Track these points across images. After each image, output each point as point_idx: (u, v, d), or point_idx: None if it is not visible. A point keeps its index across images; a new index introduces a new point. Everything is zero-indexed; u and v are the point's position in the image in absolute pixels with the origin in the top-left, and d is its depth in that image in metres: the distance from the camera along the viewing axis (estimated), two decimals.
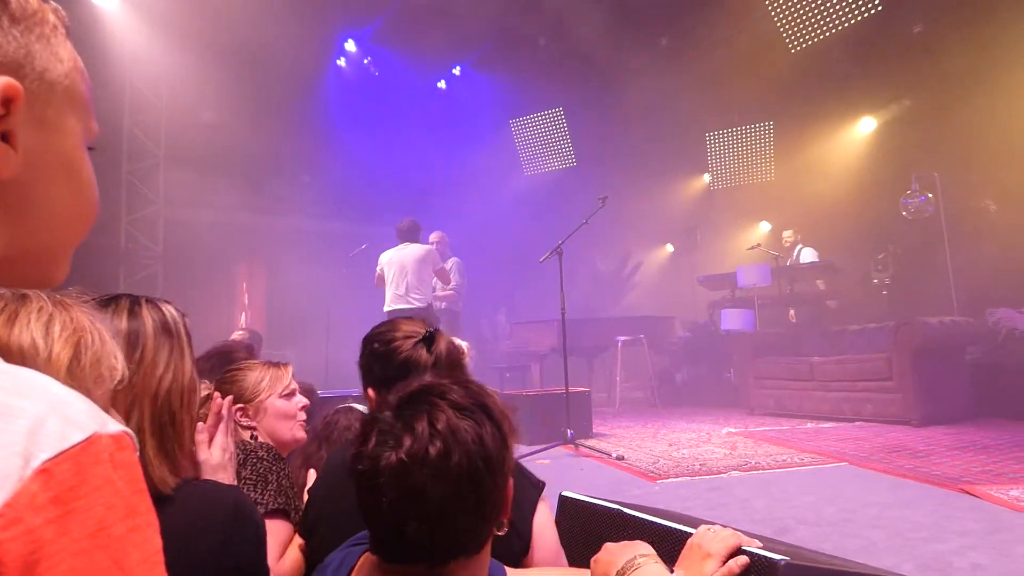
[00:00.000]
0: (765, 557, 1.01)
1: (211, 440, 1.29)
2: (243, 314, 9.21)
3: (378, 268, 5.90)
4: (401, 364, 1.29)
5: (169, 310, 0.97)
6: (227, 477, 1.29)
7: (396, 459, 0.74)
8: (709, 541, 1.03)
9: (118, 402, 0.82)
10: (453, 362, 1.32)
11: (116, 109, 7.87)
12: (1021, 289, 5.33)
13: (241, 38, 7.54)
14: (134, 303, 0.95)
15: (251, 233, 9.05)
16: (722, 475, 3.47)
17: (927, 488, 2.97)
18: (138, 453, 0.42)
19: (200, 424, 1.29)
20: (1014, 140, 6.29)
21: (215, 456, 1.28)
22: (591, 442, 4.65)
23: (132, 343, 0.89)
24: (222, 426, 1.31)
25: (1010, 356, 5.17)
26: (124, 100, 8.01)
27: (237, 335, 4.41)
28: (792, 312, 7.65)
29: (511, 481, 0.82)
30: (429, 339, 1.31)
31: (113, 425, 0.40)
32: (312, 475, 1.63)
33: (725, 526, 1.08)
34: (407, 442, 0.75)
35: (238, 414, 1.57)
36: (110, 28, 7.47)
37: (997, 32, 6.42)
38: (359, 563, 0.86)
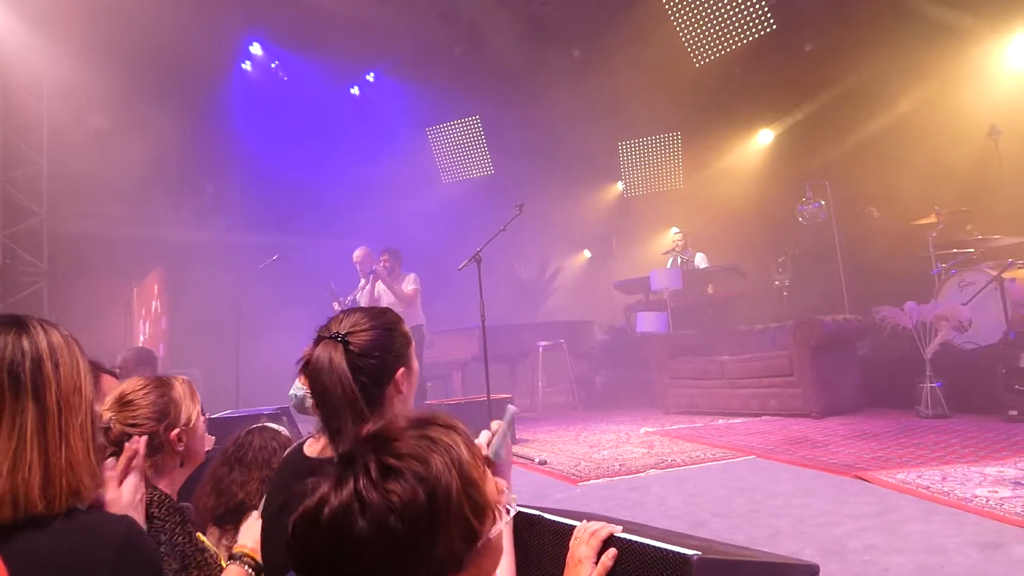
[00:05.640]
0: (679, 553, 1.03)
1: (121, 480, 1.23)
2: (141, 334, 8.60)
3: (418, 285, 6.03)
4: None
5: (60, 329, 0.92)
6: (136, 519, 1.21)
7: (298, 518, 0.70)
8: (577, 549, 1.10)
9: (72, 408, 0.82)
10: None
11: None
12: (902, 288, 5.81)
13: (133, 38, 7.08)
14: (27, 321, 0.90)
15: (148, 246, 8.48)
16: (641, 474, 3.56)
17: (826, 476, 3.17)
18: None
19: (110, 460, 1.26)
20: (894, 151, 6.89)
21: (125, 495, 1.23)
22: (514, 448, 4.66)
23: (71, 354, 0.87)
24: (136, 464, 1.27)
25: (894, 350, 5.63)
26: None
27: (123, 357, 4.04)
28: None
29: (453, 535, 0.71)
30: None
31: None
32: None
33: (590, 519, 1.15)
34: (310, 503, 0.70)
35: (179, 444, 1.46)
36: None
37: (877, 51, 7.02)
38: None
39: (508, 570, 1.26)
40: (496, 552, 0.78)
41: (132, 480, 1.24)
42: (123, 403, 1.42)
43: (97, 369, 1.95)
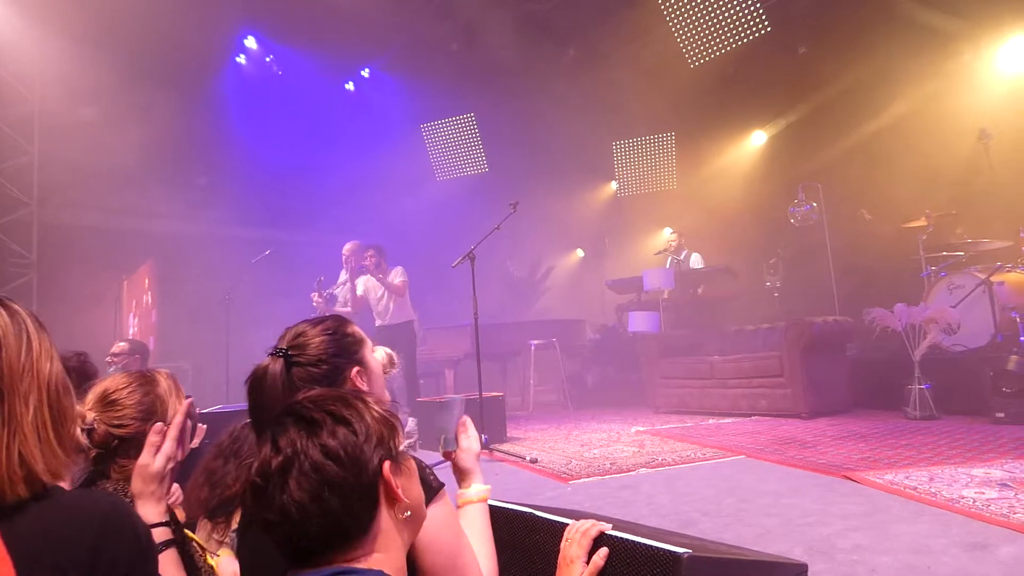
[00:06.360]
0: (669, 551, 1.04)
1: (158, 447, 1.23)
2: (131, 327, 8.53)
3: (406, 277, 6.09)
4: None
5: (9, 305, 0.86)
6: (159, 492, 1.21)
7: (249, 480, 0.83)
8: (568, 549, 1.12)
9: (17, 392, 0.77)
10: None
11: None
12: (892, 290, 5.85)
13: (127, 29, 7.00)
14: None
15: (139, 238, 8.40)
16: (631, 473, 3.58)
17: (814, 476, 3.19)
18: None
19: (159, 424, 1.25)
20: (886, 154, 6.93)
21: (157, 463, 1.21)
22: (505, 446, 4.67)
23: (17, 334, 0.80)
24: (173, 433, 1.26)
25: (883, 352, 5.68)
26: None
27: (118, 346, 4.08)
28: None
29: (385, 467, 0.85)
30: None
31: None
32: None
33: (578, 519, 1.18)
34: (255, 464, 0.84)
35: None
36: None
37: (870, 54, 7.07)
38: None
39: (491, 561, 1.26)
40: (411, 470, 0.93)
41: (167, 448, 1.23)
42: (107, 402, 1.34)
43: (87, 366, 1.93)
